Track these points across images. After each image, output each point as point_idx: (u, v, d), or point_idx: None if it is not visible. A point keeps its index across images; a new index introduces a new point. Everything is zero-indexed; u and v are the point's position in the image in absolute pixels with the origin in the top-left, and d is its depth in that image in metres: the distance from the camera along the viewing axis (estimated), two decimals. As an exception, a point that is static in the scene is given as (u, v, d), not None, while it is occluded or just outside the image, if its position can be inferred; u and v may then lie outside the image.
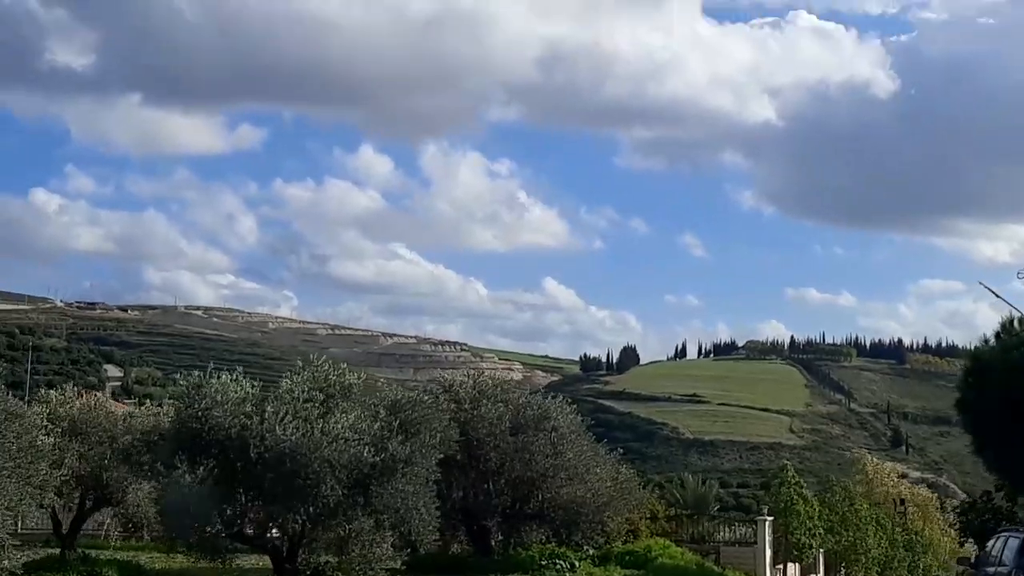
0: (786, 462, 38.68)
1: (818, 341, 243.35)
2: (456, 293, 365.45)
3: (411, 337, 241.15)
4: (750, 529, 37.10)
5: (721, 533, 37.70)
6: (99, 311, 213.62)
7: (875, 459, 66.30)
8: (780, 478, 36.37)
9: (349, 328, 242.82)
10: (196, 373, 19.39)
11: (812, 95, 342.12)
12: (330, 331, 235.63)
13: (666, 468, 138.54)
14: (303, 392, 19.46)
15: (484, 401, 27.82)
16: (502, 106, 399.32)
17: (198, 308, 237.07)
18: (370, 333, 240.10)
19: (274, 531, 20.02)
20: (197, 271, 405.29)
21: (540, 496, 28.21)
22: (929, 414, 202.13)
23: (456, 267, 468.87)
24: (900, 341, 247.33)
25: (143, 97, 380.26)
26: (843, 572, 42.22)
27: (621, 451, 30.44)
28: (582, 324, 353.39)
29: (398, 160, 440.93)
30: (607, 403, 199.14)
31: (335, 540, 20.29)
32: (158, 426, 20.27)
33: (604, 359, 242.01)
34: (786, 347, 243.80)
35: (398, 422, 19.88)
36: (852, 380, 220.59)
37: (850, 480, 53.28)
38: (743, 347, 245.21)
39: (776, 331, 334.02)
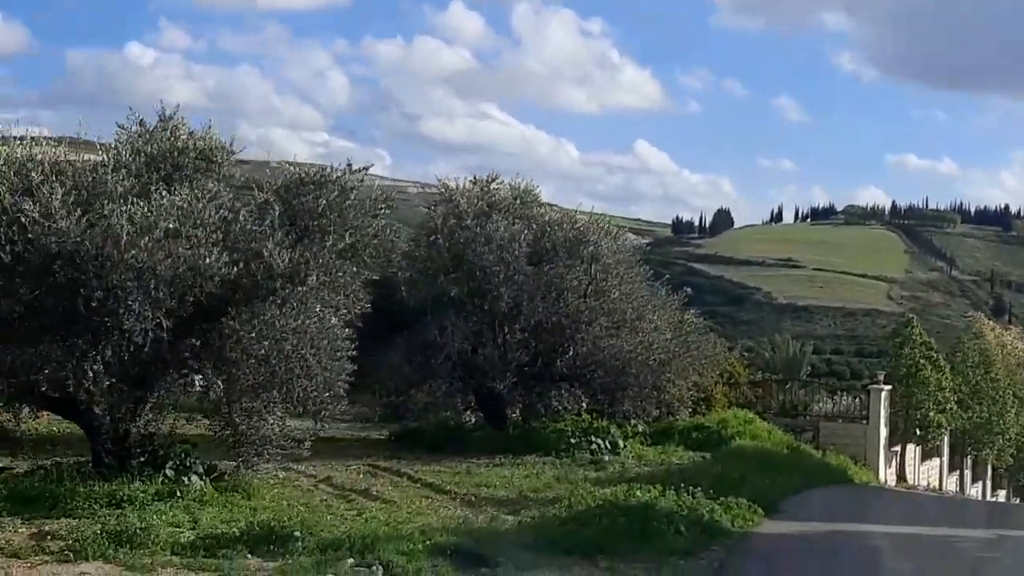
0: (911, 316, 29.22)
1: (920, 207, 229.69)
2: (547, 154, 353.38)
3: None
4: (856, 400, 28.25)
5: (820, 404, 28.88)
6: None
7: (995, 323, 55.95)
8: (903, 336, 27.14)
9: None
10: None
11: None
12: (421, 189, 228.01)
13: (757, 333, 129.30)
14: (117, 158, 10.91)
15: (495, 215, 19.27)
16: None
17: (291, 164, 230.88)
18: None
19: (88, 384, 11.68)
20: (291, 128, 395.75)
21: (573, 350, 19.81)
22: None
23: (547, 128, 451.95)
24: (1007, 207, 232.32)
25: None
26: (972, 455, 33.10)
27: (688, 290, 21.63)
28: (675, 188, 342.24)
29: (489, 17, 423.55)
30: (698, 266, 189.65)
31: (210, 404, 12.20)
32: None
33: (696, 222, 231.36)
34: (887, 212, 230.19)
35: (288, 214, 11.32)
36: (955, 247, 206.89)
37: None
38: (842, 212, 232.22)
39: (875, 197, 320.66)
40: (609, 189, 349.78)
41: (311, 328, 10.77)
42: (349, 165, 12.13)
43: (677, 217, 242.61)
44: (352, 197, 11.80)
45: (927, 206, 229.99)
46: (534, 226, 19.81)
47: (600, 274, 19.80)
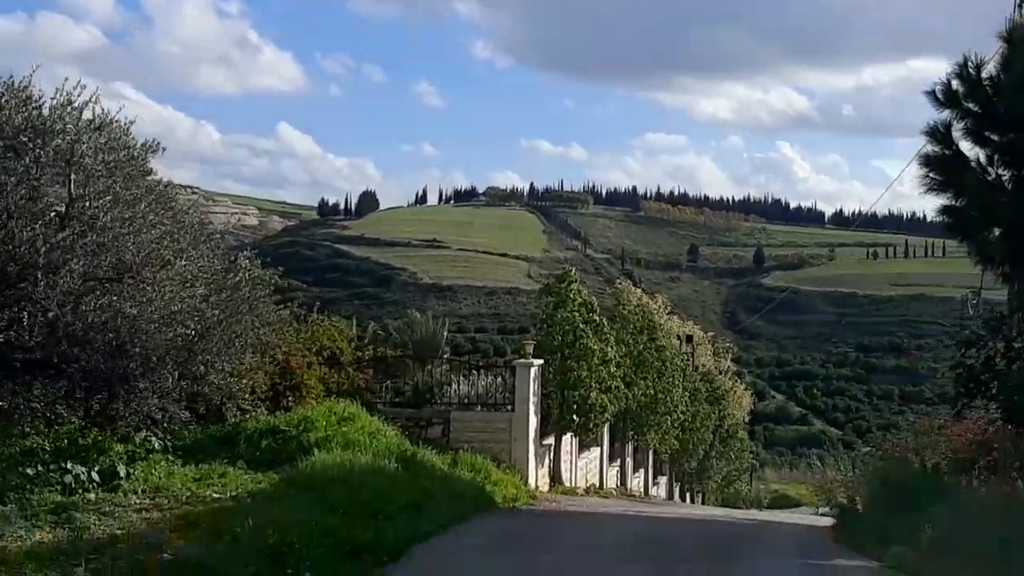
0: (569, 268, 22.25)
1: (556, 189, 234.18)
2: (186, 136, 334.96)
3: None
4: (498, 380, 21.18)
5: (456, 387, 21.54)
6: None
7: (638, 289, 51.50)
8: (557, 293, 20.23)
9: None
10: None
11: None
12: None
13: (403, 314, 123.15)
14: None
15: None
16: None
17: None
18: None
19: None
20: None
21: (32, 317, 11.18)
22: (661, 260, 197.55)
23: (186, 109, 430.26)
24: (635, 189, 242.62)
25: None
26: (633, 441, 26.93)
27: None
28: (320, 171, 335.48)
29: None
30: (344, 248, 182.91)
31: None
32: None
33: (343, 205, 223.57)
34: (525, 194, 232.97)
35: None
36: (588, 227, 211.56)
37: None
38: (483, 193, 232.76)
39: (512, 181, 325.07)
40: (254, 172, 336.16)
41: None
42: None
43: (323, 200, 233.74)
44: None
45: (562, 188, 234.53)
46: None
47: (80, 188, 11.38)
